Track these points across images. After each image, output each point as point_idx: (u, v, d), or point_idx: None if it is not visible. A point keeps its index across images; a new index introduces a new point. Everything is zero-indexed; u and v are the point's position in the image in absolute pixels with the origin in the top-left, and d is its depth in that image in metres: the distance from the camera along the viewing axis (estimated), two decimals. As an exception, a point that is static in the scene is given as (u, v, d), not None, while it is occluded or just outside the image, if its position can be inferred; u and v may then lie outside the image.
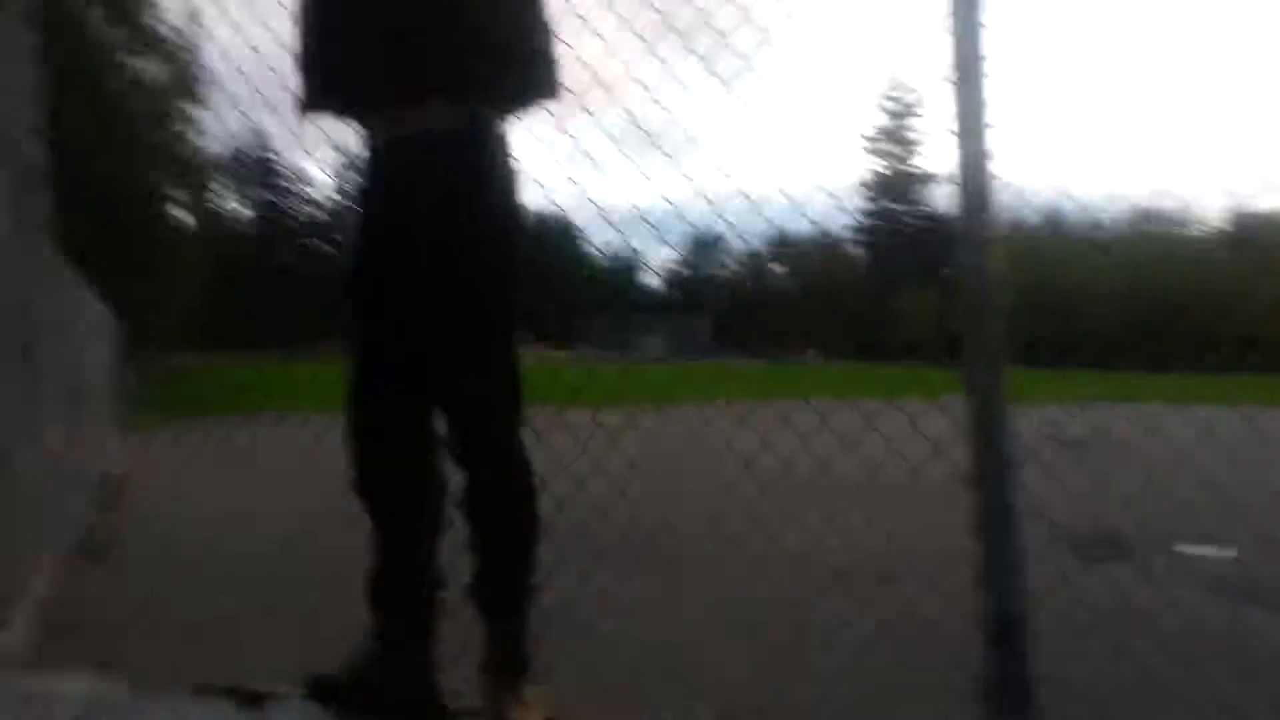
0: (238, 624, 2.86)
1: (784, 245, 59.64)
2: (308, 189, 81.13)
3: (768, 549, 4.08)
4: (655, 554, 4.43)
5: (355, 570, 1.87)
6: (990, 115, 1.58)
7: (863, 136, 58.71)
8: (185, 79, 24.27)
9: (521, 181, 1.85)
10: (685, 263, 63.07)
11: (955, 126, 1.59)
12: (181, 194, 25.46)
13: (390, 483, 1.83)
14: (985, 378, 1.61)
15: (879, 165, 58.68)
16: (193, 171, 25.30)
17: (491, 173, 1.78)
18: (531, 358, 2.07)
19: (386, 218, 1.80)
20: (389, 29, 1.69)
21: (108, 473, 7.75)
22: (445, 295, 1.72)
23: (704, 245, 61.30)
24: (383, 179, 1.82)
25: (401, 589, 1.83)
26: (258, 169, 75.05)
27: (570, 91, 1.72)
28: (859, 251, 60.44)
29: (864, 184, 58.07)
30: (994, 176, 1.59)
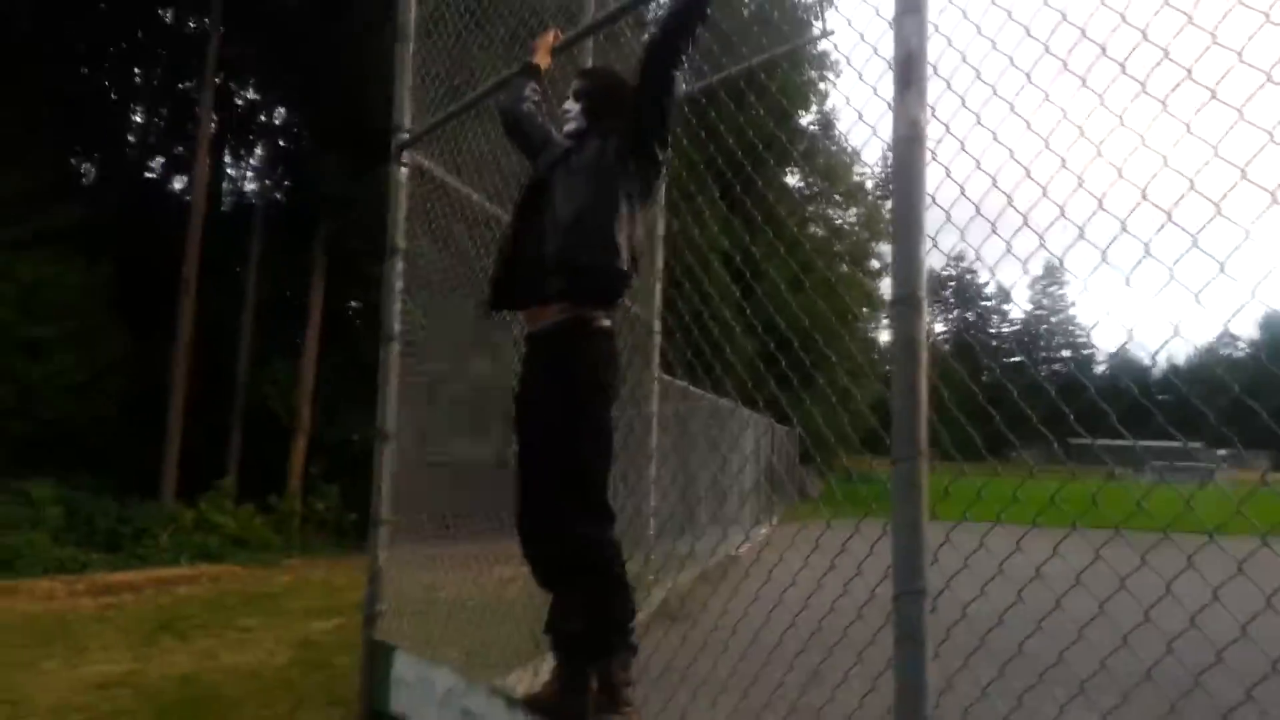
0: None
1: None
2: (1006, 306, 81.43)
3: None
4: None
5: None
6: None
7: None
8: (877, 220, 28.03)
9: (618, 355, 2.79)
10: None
11: None
12: (869, 321, 28.85)
13: (537, 561, 2.78)
14: None
15: None
16: (878, 301, 28.47)
17: (589, 352, 2.66)
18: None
19: (526, 379, 2.83)
20: (531, 263, 2.74)
21: (731, 554, 9.68)
22: (550, 439, 2.64)
23: None
24: (527, 354, 2.83)
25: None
26: (959, 288, 78.21)
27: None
28: None
29: None
30: None
